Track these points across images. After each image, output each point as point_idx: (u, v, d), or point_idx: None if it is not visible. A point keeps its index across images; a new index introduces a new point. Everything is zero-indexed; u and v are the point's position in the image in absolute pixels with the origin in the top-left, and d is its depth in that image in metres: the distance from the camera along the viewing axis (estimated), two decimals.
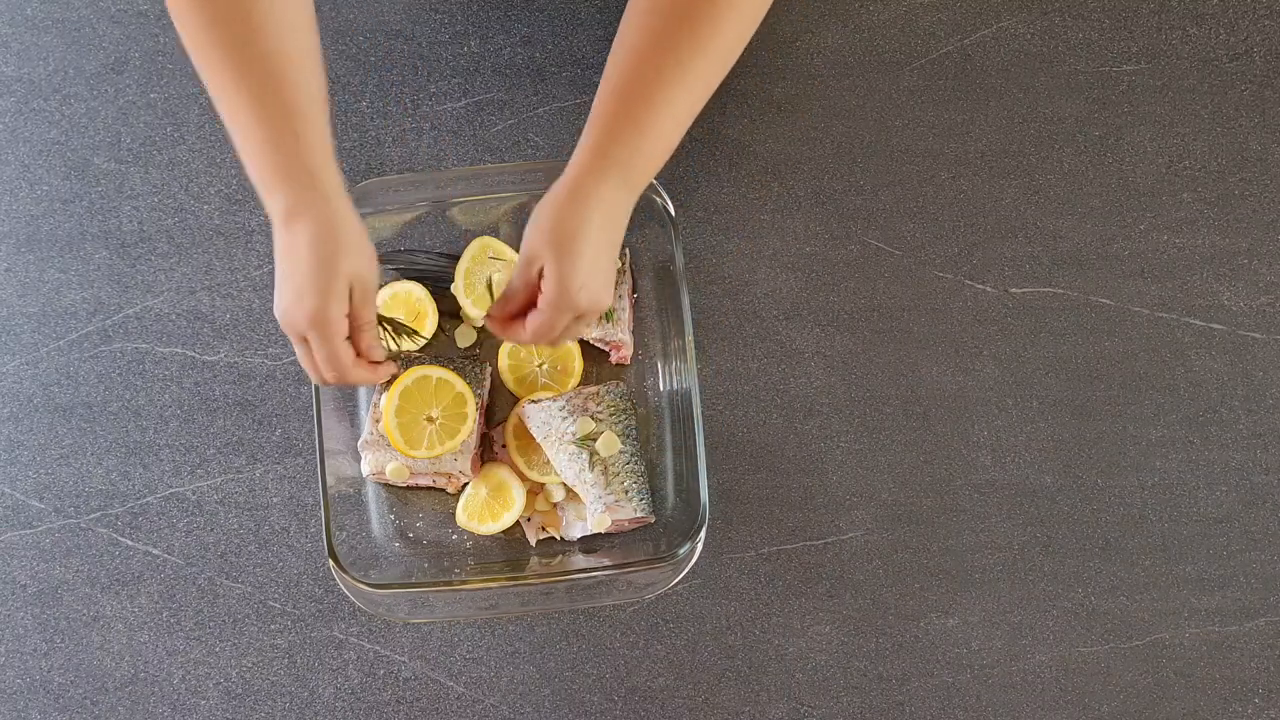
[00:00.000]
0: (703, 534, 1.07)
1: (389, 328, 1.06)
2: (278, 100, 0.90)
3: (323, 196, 0.91)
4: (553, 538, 1.15)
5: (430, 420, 1.10)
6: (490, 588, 1.08)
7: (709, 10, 0.91)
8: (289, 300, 0.92)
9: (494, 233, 1.17)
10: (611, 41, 1.22)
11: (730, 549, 1.15)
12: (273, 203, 0.92)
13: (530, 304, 0.97)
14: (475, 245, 1.16)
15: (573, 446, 1.11)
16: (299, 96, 0.91)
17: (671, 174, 1.20)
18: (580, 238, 0.93)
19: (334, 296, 0.92)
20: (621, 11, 1.27)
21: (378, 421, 1.11)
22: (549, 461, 1.13)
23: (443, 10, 1.24)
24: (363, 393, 1.15)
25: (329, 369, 0.95)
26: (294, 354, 1.17)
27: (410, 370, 1.11)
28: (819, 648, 1.14)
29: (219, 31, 0.89)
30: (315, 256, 0.91)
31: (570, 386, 1.16)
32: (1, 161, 1.21)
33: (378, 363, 1.00)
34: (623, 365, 1.17)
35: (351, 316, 0.95)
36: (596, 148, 0.94)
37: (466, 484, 1.14)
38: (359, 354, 0.98)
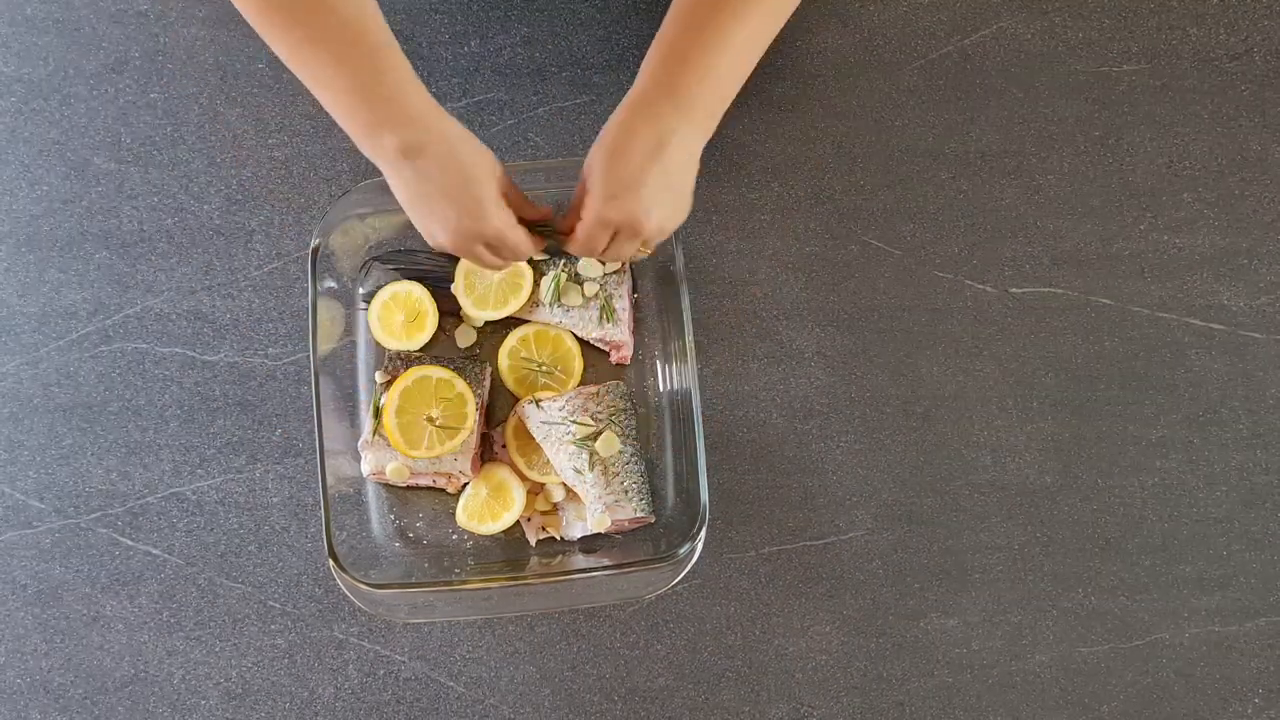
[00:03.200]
0: (703, 534, 1.07)
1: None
2: (358, 49, 0.92)
3: (430, 125, 0.94)
4: (553, 538, 1.15)
5: (430, 420, 1.10)
6: (490, 588, 1.08)
7: None
8: (457, 220, 0.96)
9: None
10: (610, 41, 1.22)
11: (730, 549, 1.15)
12: (382, 145, 0.94)
13: None
14: None
15: (573, 446, 1.11)
16: (376, 40, 0.92)
17: None
18: (621, 151, 0.95)
19: (494, 202, 0.96)
20: (621, 14, 1.27)
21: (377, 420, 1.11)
22: (549, 461, 1.13)
23: (443, 10, 1.24)
24: (362, 393, 1.15)
25: (519, 253, 1.00)
26: (293, 354, 1.17)
27: (410, 370, 1.12)
28: (819, 648, 1.14)
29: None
30: (458, 177, 0.95)
31: (570, 386, 1.16)
32: (1, 161, 1.21)
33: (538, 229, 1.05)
34: (623, 365, 1.17)
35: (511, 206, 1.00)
36: (651, 74, 0.95)
37: (466, 484, 1.14)
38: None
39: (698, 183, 1.20)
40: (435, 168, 0.95)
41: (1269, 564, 1.16)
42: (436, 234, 0.98)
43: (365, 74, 0.92)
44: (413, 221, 0.99)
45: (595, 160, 0.96)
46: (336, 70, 0.92)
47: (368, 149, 0.96)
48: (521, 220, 1.01)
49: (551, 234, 1.04)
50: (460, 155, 0.95)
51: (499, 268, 1.03)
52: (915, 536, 1.16)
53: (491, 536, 1.14)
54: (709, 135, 0.98)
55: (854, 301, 1.19)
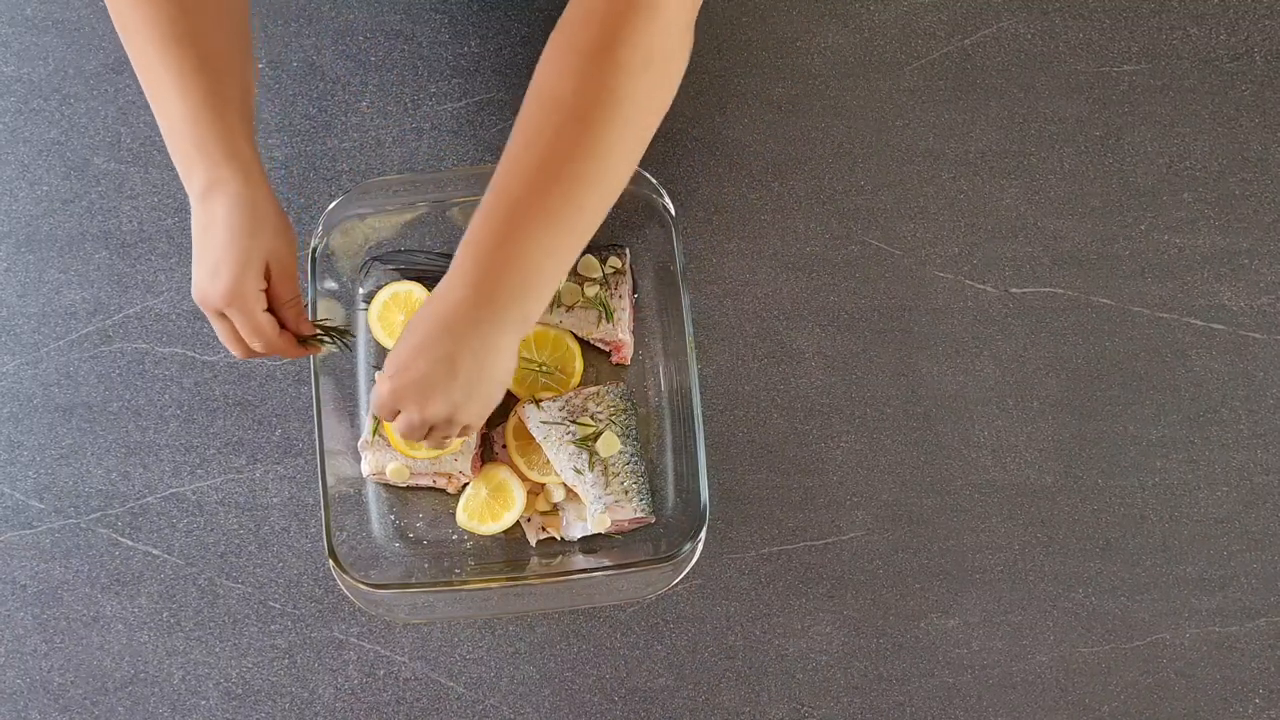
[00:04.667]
0: (703, 534, 1.07)
1: (328, 335, 1.04)
2: (201, 80, 0.90)
3: (240, 173, 0.92)
4: (553, 538, 1.15)
5: None
6: (490, 588, 1.08)
7: (600, 115, 0.88)
8: (204, 276, 0.92)
9: None
10: None
11: (730, 549, 1.15)
12: (192, 179, 0.92)
13: None
14: None
15: (573, 446, 1.11)
16: (222, 78, 0.91)
17: (672, 174, 1.20)
18: (407, 335, 0.92)
19: (250, 270, 0.92)
20: None
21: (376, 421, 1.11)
22: (549, 461, 1.13)
23: (443, 10, 1.24)
24: (362, 393, 1.15)
25: (253, 339, 0.95)
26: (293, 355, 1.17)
27: None
28: (819, 648, 1.14)
29: (148, 7, 0.90)
30: (230, 231, 0.91)
31: (570, 387, 1.16)
32: (1, 161, 1.21)
33: (308, 337, 0.99)
34: (623, 365, 1.17)
35: (270, 295, 0.95)
36: (465, 276, 0.90)
37: (466, 484, 1.14)
38: (284, 329, 0.98)
39: (698, 182, 1.21)
40: (218, 218, 0.91)
41: (1269, 564, 1.16)
42: (193, 284, 0.94)
43: (199, 106, 0.90)
44: None
45: (406, 330, 0.92)
46: (174, 94, 0.90)
47: (183, 178, 0.93)
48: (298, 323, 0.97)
49: (338, 341, 1.02)
50: (244, 210, 0.91)
51: (246, 351, 0.97)
52: (915, 536, 1.16)
53: (491, 536, 1.14)
54: (523, 332, 0.92)
55: (854, 301, 1.19)
